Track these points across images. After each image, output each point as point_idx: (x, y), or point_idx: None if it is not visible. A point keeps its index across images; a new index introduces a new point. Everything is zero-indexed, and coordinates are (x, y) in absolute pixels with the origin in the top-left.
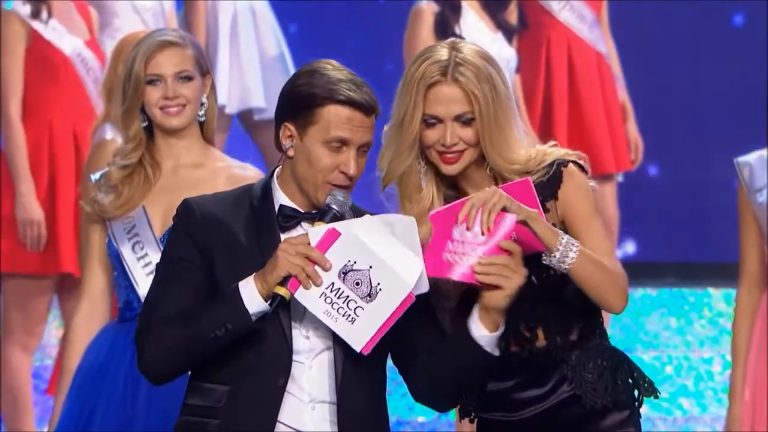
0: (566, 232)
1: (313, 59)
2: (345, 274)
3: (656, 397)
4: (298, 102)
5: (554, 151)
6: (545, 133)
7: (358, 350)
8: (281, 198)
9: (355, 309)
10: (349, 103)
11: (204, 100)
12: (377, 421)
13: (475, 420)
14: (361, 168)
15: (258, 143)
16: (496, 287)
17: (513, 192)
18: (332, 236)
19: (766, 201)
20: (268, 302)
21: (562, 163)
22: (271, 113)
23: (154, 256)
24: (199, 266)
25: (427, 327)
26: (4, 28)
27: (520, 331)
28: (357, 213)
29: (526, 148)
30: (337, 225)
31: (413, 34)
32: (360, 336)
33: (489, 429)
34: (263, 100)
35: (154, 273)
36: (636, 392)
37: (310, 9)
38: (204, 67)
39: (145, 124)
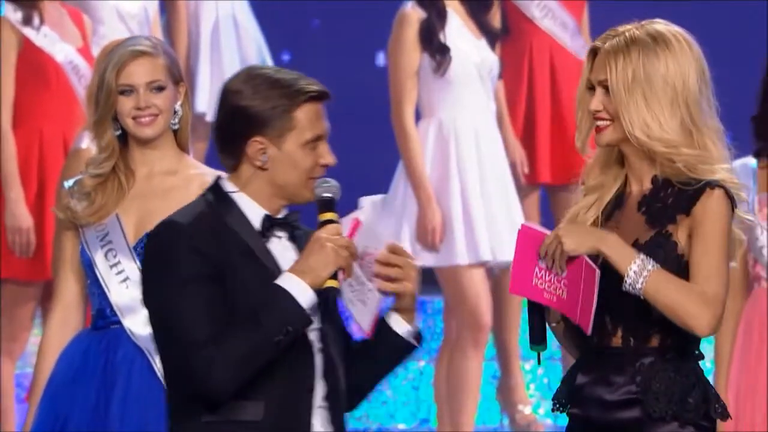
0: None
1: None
2: (362, 259)
3: (724, 419)
4: (265, 114)
5: (719, 170)
6: (528, 139)
7: (366, 332)
8: (255, 208)
9: (367, 292)
10: (317, 97)
11: (177, 108)
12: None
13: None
14: None
15: None
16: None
17: (580, 275)
18: (356, 226)
19: (750, 210)
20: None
21: (710, 183)
22: None
23: (127, 264)
24: (216, 280)
25: (343, 329)
26: None
27: (604, 322)
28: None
29: (692, 143)
30: (358, 214)
31: (398, 40)
32: (368, 318)
33: (571, 423)
34: None
35: (164, 301)
36: (706, 413)
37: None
38: (177, 76)
39: (119, 132)
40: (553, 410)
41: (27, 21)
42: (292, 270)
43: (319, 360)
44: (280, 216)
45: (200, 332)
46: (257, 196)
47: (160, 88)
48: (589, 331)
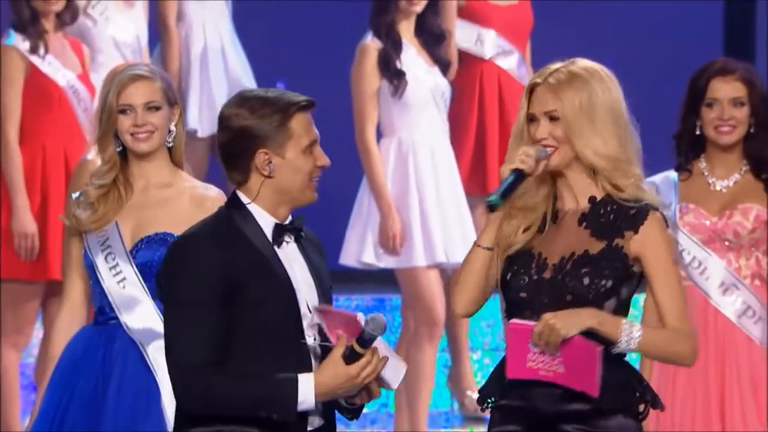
0: (636, 267)
1: None
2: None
3: (662, 409)
4: (265, 129)
5: (652, 196)
6: (479, 155)
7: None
8: (267, 217)
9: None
10: (305, 106)
11: (172, 128)
12: None
13: (487, 408)
14: None
15: None
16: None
17: (579, 353)
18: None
19: (672, 217)
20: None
21: (652, 206)
22: None
23: (124, 266)
24: (226, 299)
25: None
26: (5, 61)
27: None
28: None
29: (634, 165)
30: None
31: (359, 68)
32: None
33: (505, 414)
34: None
35: (173, 305)
36: (643, 406)
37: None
38: (172, 99)
39: (120, 148)
40: (479, 402)
41: (34, 50)
42: (318, 378)
43: (315, 365)
44: (287, 223)
45: (197, 354)
46: (267, 204)
47: (156, 108)
48: (597, 394)
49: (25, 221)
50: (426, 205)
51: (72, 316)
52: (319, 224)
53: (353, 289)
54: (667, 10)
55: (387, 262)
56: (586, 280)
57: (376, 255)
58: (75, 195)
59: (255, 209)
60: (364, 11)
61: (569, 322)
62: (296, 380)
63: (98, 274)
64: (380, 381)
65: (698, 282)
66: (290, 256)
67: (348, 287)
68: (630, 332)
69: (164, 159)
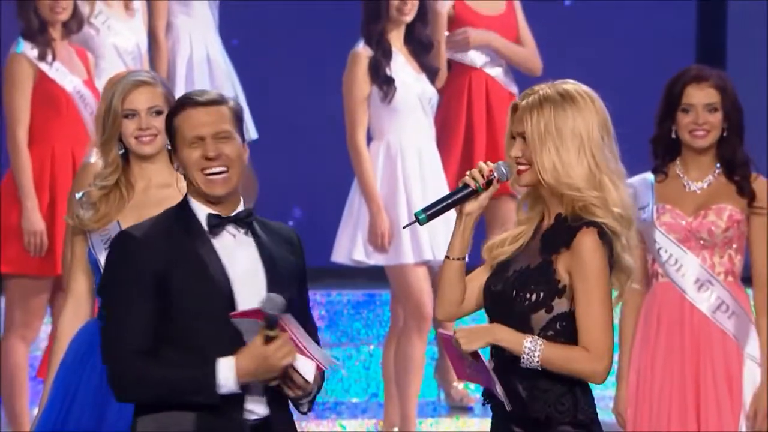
0: (570, 282)
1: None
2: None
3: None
4: (167, 126)
5: (610, 214)
6: (467, 156)
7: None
8: (202, 208)
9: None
10: (186, 104)
11: None
12: None
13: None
14: (229, 149)
15: None
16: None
17: (478, 366)
18: (287, 326)
19: (649, 217)
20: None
21: (589, 223)
22: None
23: None
24: (157, 291)
25: None
26: (15, 67)
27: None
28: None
29: (608, 189)
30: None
31: (351, 74)
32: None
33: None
34: None
35: (107, 298)
36: (576, 413)
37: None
38: (172, 102)
39: (122, 151)
40: (483, 404)
41: (42, 57)
42: (238, 360)
43: None
44: (233, 214)
45: (128, 344)
46: (200, 198)
47: (159, 112)
48: (508, 408)
49: (35, 220)
50: (413, 204)
51: (77, 311)
52: (312, 223)
53: (345, 285)
54: (642, 19)
55: (376, 260)
56: (514, 293)
57: (366, 253)
58: (78, 195)
59: (193, 203)
60: (353, 15)
61: (472, 337)
62: (215, 363)
63: (102, 271)
64: (297, 371)
65: (675, 279)
66: (231, 246)
67: (340, 283)
68: (532, 349)
69: (164, 160)
